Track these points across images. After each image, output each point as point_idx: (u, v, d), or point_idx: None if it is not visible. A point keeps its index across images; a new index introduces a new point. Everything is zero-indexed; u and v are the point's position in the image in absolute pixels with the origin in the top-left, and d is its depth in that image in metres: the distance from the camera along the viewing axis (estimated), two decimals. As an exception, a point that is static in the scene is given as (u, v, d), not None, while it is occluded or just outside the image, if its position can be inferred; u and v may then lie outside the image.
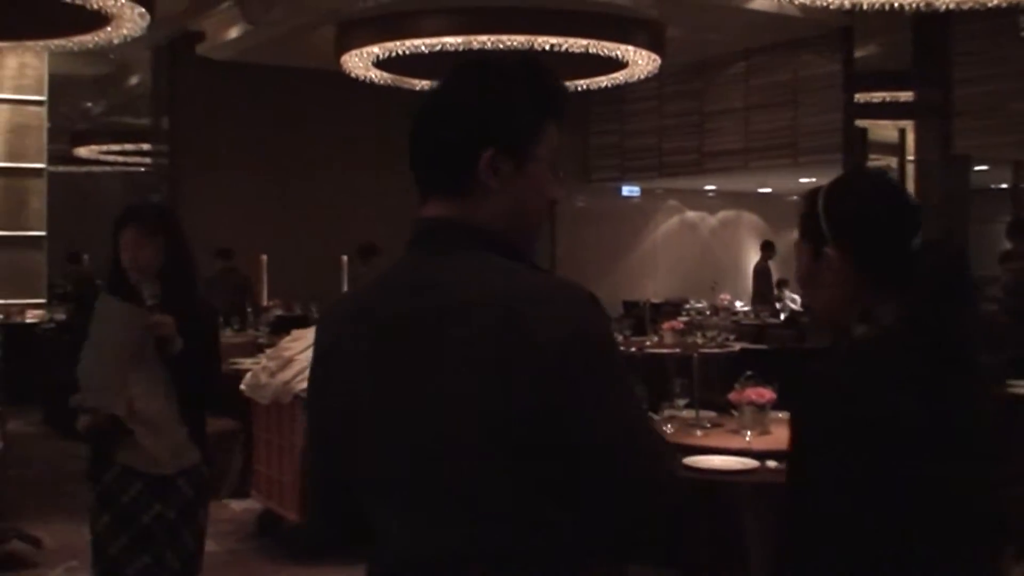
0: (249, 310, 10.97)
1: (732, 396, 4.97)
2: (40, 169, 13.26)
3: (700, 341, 9.14)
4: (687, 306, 12.56)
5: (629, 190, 16.92)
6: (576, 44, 11.03)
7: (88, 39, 10.72)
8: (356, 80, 12.44)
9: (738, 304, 13.29)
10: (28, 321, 12.16)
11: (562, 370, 1.63)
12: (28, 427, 10.18)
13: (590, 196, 16.66)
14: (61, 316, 12.96)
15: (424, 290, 1.73)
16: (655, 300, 13.81)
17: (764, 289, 14.62)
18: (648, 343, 9.19)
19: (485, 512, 1.68)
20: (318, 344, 1.90)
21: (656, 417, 4.96)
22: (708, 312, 12.42)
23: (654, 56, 11.51)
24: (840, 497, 1.92)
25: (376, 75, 12.31)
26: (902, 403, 1.94)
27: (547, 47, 10.98)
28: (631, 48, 11.26)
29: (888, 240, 2.06)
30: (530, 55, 1.98)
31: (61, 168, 19.92)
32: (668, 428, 4.83)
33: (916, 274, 2.03)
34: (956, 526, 1.98)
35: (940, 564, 1.96)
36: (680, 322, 9.64)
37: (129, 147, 19.00)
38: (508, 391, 1.62)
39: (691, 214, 17.90)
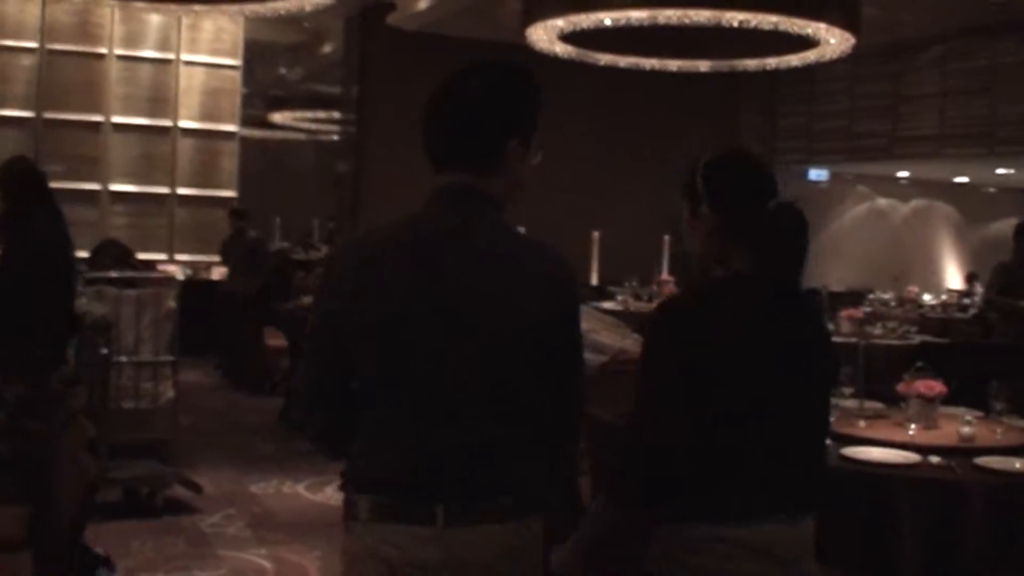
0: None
1: (900, 387, 4.76)
2: (232, 132, 13.69)
3: (878, 332, 8.84)
4: (871, 296, 12.17)
5: (816, 174, 16.45)
6: (765, 20, 10.70)
7: (280, 6, 10.92)
8: (540, 54, 12.41)
9: (926, 297, 12.78)
10: (212, 279, 12.60)
11: (564, 295, 2.35)
12: (205, 378, 10.55)
13: (776, 178, 16.31)
14: (247, 275, 13.44)
15: (462, 233, 2.28)
16: (838, 288, 13.45)
17: None
18: (823, 331, 8.90)
19: (507, 411, 2.25)
20: (346, 264, 2.33)
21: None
22: (892, 303, 12.03)
23: (847, 35, 11.08)
24: (688, 400, 2.44)
25: (560, 49, 12.24)
26: (745, 327, 2.52)
27: (735, 23, 10.71)
28: (823, 26, 10.87)
29: (746, 205, 2.61)
30: (523, 64, 2.53)
31: (256, 132, 20.60)
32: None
33: (767, 230, 2.57)
34: (783, 422, 2.52)
35: (770, 452, 2.49)
36: (860, 311, 9.32)
37: (321, 115, 19.47)
38: (535, 305, 2.26)
39: (881, 201, 17.31)
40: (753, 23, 10.73)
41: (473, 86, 2.39)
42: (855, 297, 12.05)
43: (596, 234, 13.76)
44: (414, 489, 2.20)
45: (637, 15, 10.81)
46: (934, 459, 4.10)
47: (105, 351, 6.18)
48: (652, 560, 2.53)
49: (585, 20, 11.06)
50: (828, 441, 3.17)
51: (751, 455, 2.48)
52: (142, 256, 10.34)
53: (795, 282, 2.64)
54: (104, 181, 13.10)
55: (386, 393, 2.24)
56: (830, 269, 15.74)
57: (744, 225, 2.58)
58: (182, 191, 13.38)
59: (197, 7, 11.74)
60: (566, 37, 11.74)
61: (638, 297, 11.42)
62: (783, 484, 2.52)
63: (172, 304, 7.10)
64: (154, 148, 13.37)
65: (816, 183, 16.62)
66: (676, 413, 2.45)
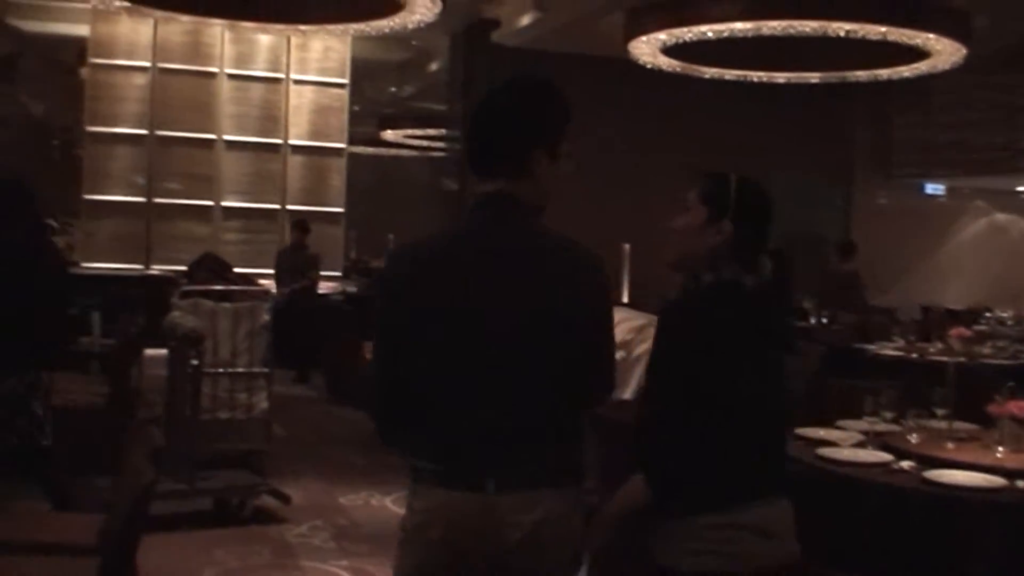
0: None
1: (991, 408, 4.60)
2: (340, 149, 13.86)
3: (988, 351, 8.57)
4: (988, 315, 11.79)
5: (933, 188, 16.03)
6: (873, 31, 10.47)
7: (384, 24, 11.07)
8: (644, 67, 12.34)
9: (1043, 314, 12.34)
10: (320, 292, 12.77)
11: (590, 287, 2.64)
12: (309, 391, 10.67)
13: (891, 193, 15.96)
14: (353, 289, 13.60)
15: (518, 238, 2.61)
16: (955, 307, 13.08)
17: None
18: (932, 350, 8.67)
19: (545, 393, 2.56)
20: (410, 269, 2.65)
21: (904, 423, 4.66)
22: (1010, 322, 11.65)
23: (958, 45, 10.79)
24: (690, 386, 2.73)
25: (664, 62, 12.16)
26: (735, 325, 2.81)
27: (841, 33, 10.50)
28: (932, 36, 10.60)
29: (765, 224, 2.94)
30: (550, 80, 2.76)
31: (369, 150, 20.90)
32: (914, 438, 4.53)
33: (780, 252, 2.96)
34: (768, 416, 2.87)
35: (758, 444, 2.82)
36: (970, 330, 9.04)
37: (431, 132, 19.66)
38: (561, 295, 2.57)
39: (1001, 216, 16.76)
40: (860, 33, 10.53)
41: (499, 101, 2.70)
42: (972, 316, 11.71)
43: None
44: (467, 461, 2.54)
45: (741, 27, 10.68)
46: (1022, 483, 3.95)
47: (195, 362, 6.28)
48: (664, 554, 2.82)
49: (687, 33, 10.96)
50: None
51: (744, 447, 2.80)
52: (252, 271, 10.54)
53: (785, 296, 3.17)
54: (216, 198, 13.38)
55: (439, 381, 2.57)
56: (948, 286, 15.32)
57: (756, 246, 2.93)
58: (292, 207, 13.58)
59: (304, 27, 11.97)
60: (669, 50, 11.65)
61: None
62: (766, 471, 2.86)
63: (266, 317, 7.20)
64: (264, 165, 13.60)
65: (932, 197, 16.20)
66: (686, 412, 2.74)
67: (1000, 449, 4.33)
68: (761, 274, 2.91)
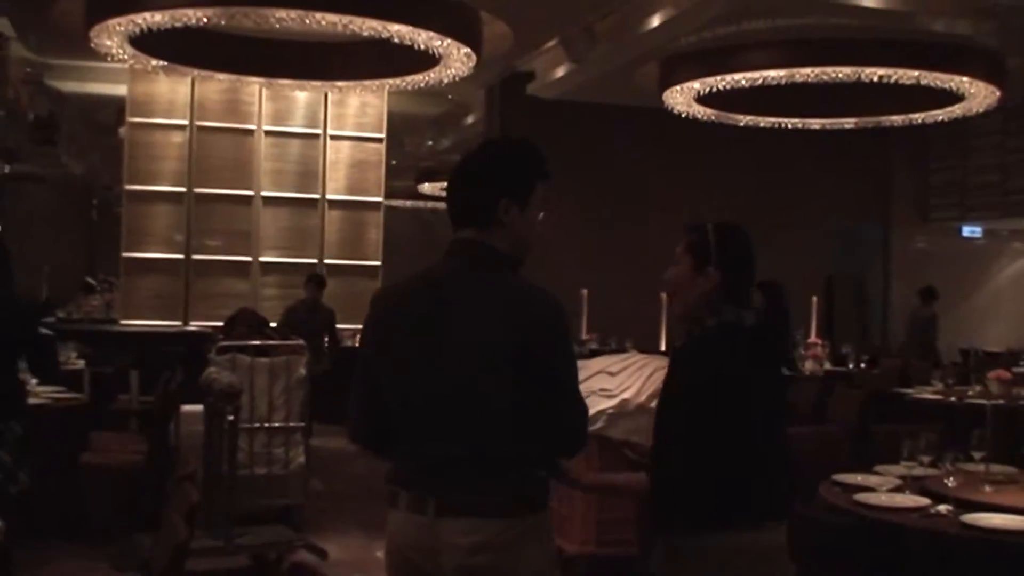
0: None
1: (1030, 450, 4.55)
2: (378, 203, 13.96)
3: (1025, 393, 8.48)
4: (1027, 356, 11.71)
5: (970, 231, 15.94)
6: (906, 75, 10.49)
7: (420, 78, 11.20)
8: (680, 116, 12.39)
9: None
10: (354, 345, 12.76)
11: (544, 329, 2.75)
12: (347, 446, 10.66)
13: (929, 236, 15.89)
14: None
15: (469, 283, 2.79)
16: (995, 349, 12.98)
17: None
18: (970, 393, 8.59)
19: (492, 425, 2.72)
20: (382, 308, 2.91)
21: (942, 467, 4.61)
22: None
23: (992, 88, 10.78)
24: (703, 424, 2.91)
25: (699, 111, 12.22)
26: (741, 362, 3.00)
27: (875, 78, 10.52)
28: (966, 79, 10.59)
29: (748, 267, 3.14)
30: (521, 139, 2.98)
31: (407, 203, 21.04)
32: (951, 481, 4.48)
33: (774, 292, 3.14)
34: (768, 449, 3.01)
35: (757, 471, 2.97)
36: (1009, 372, 8.95)
37: (469, 184, 19.74)
38: (523, 343, 2.69)
39: (1038, 257, 16.65)
40: (894, 78, 10.55)
41: (471, 158, 2.94)
42: (1011, 358, 11.61)
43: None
44: (417, 485, 2.76)
45: (774, 74, 10.74)
46: (1061, 526, 3.90)
47: (231, 418, 6.32)
48: (662, 571, 3.04)
49: (721, 81, 11.02)
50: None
51: (749, 475, 2.97)
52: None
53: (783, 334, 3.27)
54: (255, 254, 13.49)
55: (400, 412, 2.81)
56: (987, 328, 15.21)
57: (745, 284, 3.13)
58: (330, 261, 13.66)
59: (341, 83, 12.12)
60: (703, 99, 11.71)
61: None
62: (765, 497, 3.02)
63: (303, 371, 7.24)
64: (303, 220, 13.71)
65: (970, 240, 16.10)
66: (699, 443, 2.95)
67: (1040, 492, 4.28)
68: (755, 307, 3.12)
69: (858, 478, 4.70)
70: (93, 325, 12.70)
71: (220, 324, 11.98)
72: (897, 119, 12.42)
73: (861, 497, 4.35)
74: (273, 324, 9.36)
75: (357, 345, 3.11)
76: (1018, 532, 3.86)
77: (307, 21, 9.33)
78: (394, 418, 2.82)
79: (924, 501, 4.28)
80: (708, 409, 2.92)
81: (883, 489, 4.50)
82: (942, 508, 4.19)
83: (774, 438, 3.06)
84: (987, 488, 4.43)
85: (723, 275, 3.09)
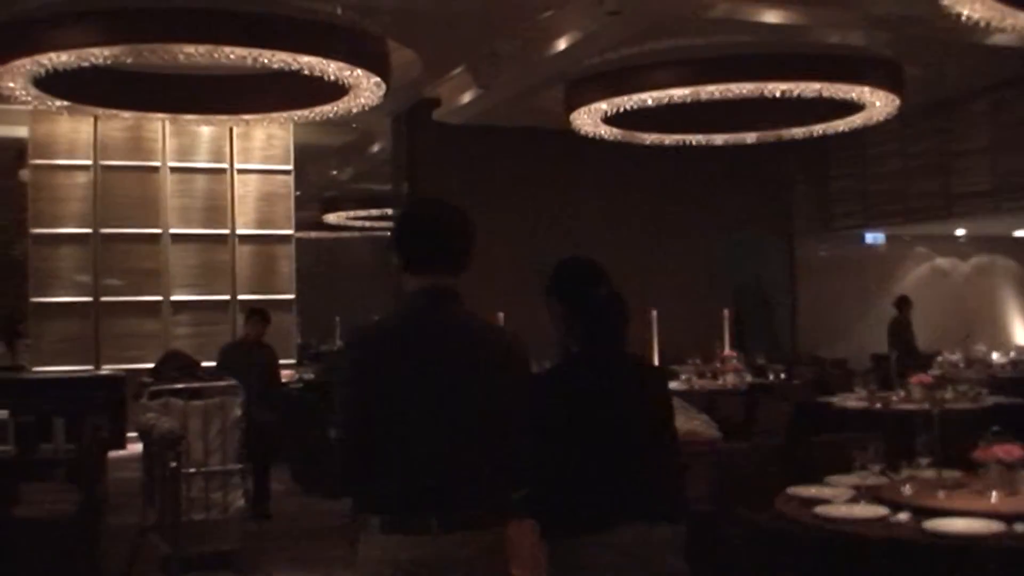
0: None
1: (977, 454, 4.65)
2: (288, 235, 13.85)
3: (950, 396, 8.67)
4: (939, 359, 11.97)
5: (873, 237, 16.33)
6: (808, 88, 10.71)
7: (329, 109, 11.13)
8: (586, 137, 12.50)
9: (995, 356, 12.55)
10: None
11: (520, 366, 3.22)
12: (276, 485, 10.51)
13: (831, 245, 16.23)
14: (310, 376, 13.45)
15: (455, 325, 3.15)
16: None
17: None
18: (895, 398, 8.76)
19: (489, 453, 3.07)
20: (370, 350, 3.11)
21: (894, 477, 4.71)
22: (962, 365, 11.81)
23: (892, 96, 11.06)
24: (554, 433, 3.43)
25: (606, 131, 12.33)
26: (585, 386, 3.59)
27: (777, 93, 10.72)
28: (867, 89, 10.85)
29: (578, 296, 3.67)
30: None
31: (312, 234, 20.89)
32: (906, 490, 4.57)
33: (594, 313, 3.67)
34: (611, 449, 3.52)
35: (623, 475, 3.50)
36: (929, 376, 9.15)
37: (375, 212, 19.70)
38: (498, 373, 3.13)
39: (941, 261, 17.08)
40: (796, 92, 10.74)
41: (460, 215, 3.26)
42: (923, 360, 11.86)
43: (654, 313, 13.70)
44: (415, 507, 3.00)
45: (679, 92, 10.86)
46: (1020, 527, 4.00)
47: (174, 464, 6.20)
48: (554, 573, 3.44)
49: (627, 101, 11.13)
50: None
51: (611, 479, 3.47)
52: (206, 363, 10.42)
53: (617, 350, 3.72)
54: (165, 292, 13.29)
55: (396, 441, 3.02)
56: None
57: (576, 312, 3.65)
58: (243, 297, 13.51)
59: (248, 116, 11.99)
60: (610, 119, 11.82)
61: (702, 375, 11.32)
62: (637, 498, 3.47)
63: (238, 412, 7.13)
64: (213, 256, 13.56)
65: (874, 247, 16.47)
66: (556, 456, 3.43)
67: (993, 494, 4.39)
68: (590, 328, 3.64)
69: (812, 490, 4.77)
70: (3, 374, 12.35)
71: (132, 367, 11.84)
72: (798, 132, 12.67)
73: (821, 510, 4.41)
74: (206, 364, 9.13)
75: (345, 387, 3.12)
76: (981, 536, 3.94)
77: (216, 55, 9.22)
78: (386, 450, 3.03)
79: (883, 510, 4.35)
80: (543, 431, 3.38)
81: (840, 500, 4.57)
82: (902, 516, 4.28)
83: (627, 443, 3.55)
84: (941, 494, 4.52)
85: (564, 305, 3.66)
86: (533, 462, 3.29)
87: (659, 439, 3.69)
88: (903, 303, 14.32)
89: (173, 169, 13.32)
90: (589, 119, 11.88)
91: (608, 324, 3.70)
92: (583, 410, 3.55)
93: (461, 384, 3.09)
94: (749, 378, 11.24)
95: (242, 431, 7.03)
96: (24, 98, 10.27)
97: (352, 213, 20.32)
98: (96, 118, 12.50)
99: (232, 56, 9.23)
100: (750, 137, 13.14)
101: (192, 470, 6.85)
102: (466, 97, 12.37)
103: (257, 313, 9.78)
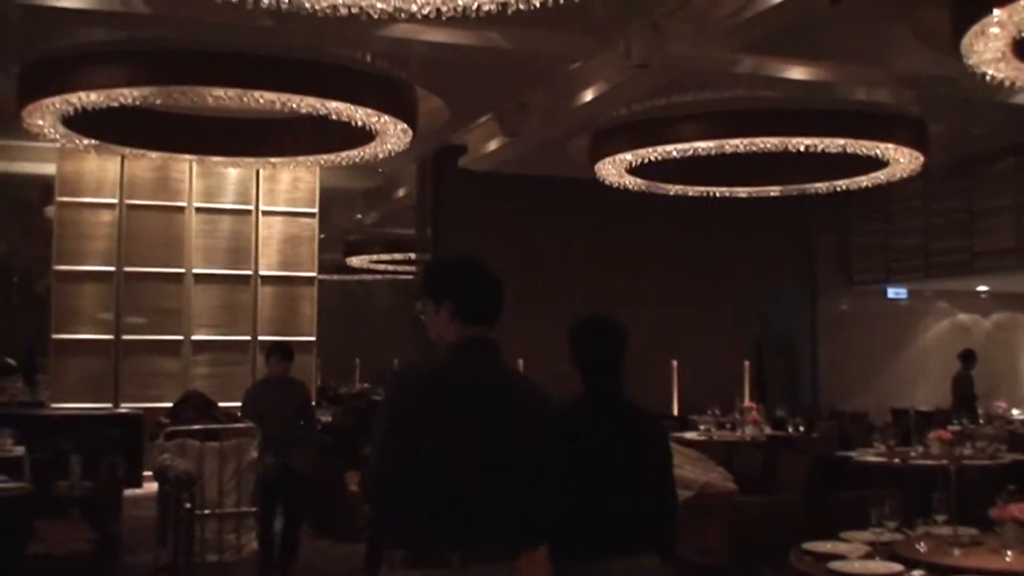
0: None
1: (994, 512, 4.63)
2: (311, 277, 13.91)
3: (968, 452, 8.64)
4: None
5: (895, 292, 16.31)
6: (833, 144, 10.74)
7: (355, 154, 11.23)
8: (610, 187, 12.55)
9: (1015, 412, 12.49)
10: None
11: (553, 424, 3.41)
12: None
13: (853, 299, 16.21)
14: (327, 418, 13.47)
15: (499, 375, 3.39)
16: (925, 408, 13.21)
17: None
18: (913, 454, 8.73)
19: (513, 492, 3.25)
20: (418, 388, 3.27)
21: (910, 533, 4.69)
22: (981, 421, 11.75)
23: (916, 153, 11.08)
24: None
25: (630, 181, 12.39)
26: (586, 427, 3.85)
27: (802, 148, 10.76)
28: (891, 146, 10.88)
29: (581, 353, 4.02)
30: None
31: (335, 276, 20.99)
32: (921, 547, 4.54)
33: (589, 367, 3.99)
34: (608, 490, 3.79)
35: (610, 509, 3.78)
36: (948, 431, 9.13)
37: (398, 256, 19.78)
38: (535, 425, 3.34)
39: (963, 316, 17.04)
40: (820, 147, 10.78)
41: (489, 272, 3.47)
42: (943, 416, 11.82)
43: (675, 363, 13.71)
44: (440, 542, 3.16)
45: (704, 145, 10.91)
46: (1035, 587, 3.97)
47: (188, 505, 6.21)
48: None
49: (652, 153, 11.19)
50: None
51: (605, 516, 3.76)
52: (225, 404, 10.45)
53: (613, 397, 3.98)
54: (186, 332, 13.34)
55: (431, 478, 3.16)
56: (916, 388, 15.48)
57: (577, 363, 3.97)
58: (264, 338, 13.55)
59: (275, 159, 12.09)
60: (634, 170, 11.88)
61: (721, 426, 11.29)
62: (622, 531, 3.76)
63: (254, 454, 7.15)
64: (235, 297, 13.61)
65: (895, 301, 16.44)
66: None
67: (1008, 553, 4.36)
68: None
69: (827, 546, 4.75)
70: (22, 409, 12.39)
71: (151, 405, 11.87)
72: (821, 186, 12.70)
73: (835, 565, 4.39)
74: (224, 404, 9.01)
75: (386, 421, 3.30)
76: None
77: (244, 99, 9.33)
78: (423, 486, 3.17)
79: (897, 567, 4.33)
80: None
81: (854, 556, 4.55)
82: (916, 573, 4.25)
83: (611, 487, 3.80)
84: (956, 552, 4.50)
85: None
86: (557, 505, 3.42)
87: (653, 481, 3.90)
88: (968, 357, 13.95)
89: (199, 209, 13.40)
90: (614, 169, 11.94)
91: (602, 380, 3.96)
92: (582, 448, 3.76)
93: (500, 430, 3.27)
94: (768, 430, 11.21)
95: (257, 473, 7.02)
96: (52, 136, 10.40)
97: (375, 257, 20.40)
98: (123, 157, 12.61)
99: (261, 100, 9.34)
100: (774, 190, 13.17)
101: (207, 511, 6.87)
102: (492, 145, 12.45)
103: (278, 349, 8.48)
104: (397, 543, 3.22)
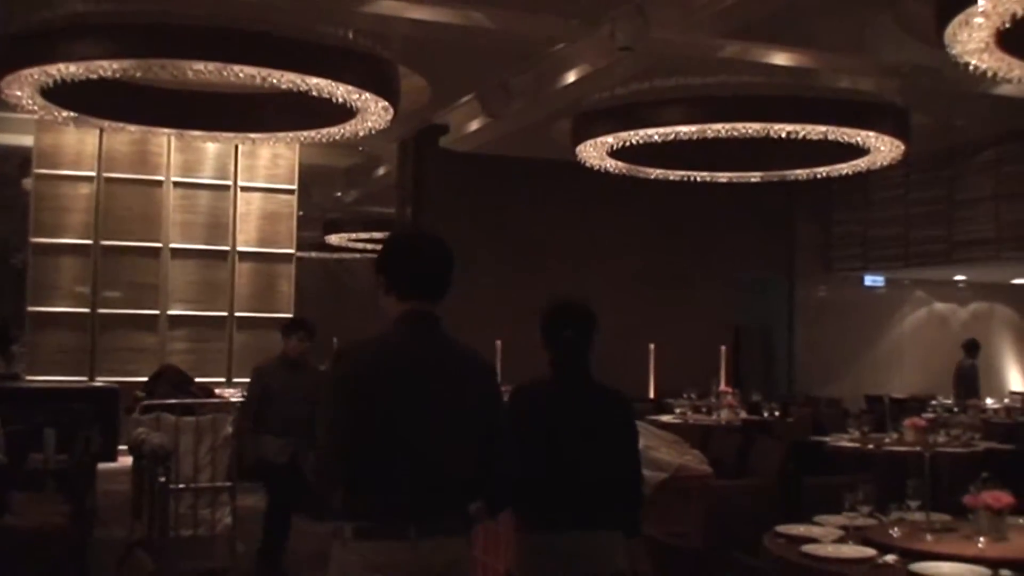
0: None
1: (967, 499, 4.64)
2: (289, 255, 13.87)
3: (942, 439, 8.67)
4: (933, 403, 11.96)
5: (873, 280, 16.36)
6: (814, 131, 10.75)
7: (336, 131, 11.16)
8: (591, 170, 12.54)
9: (989, 401, 12.56)
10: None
11: (494, 384, 3.50)
12: (258, 503, 10.49)
13: (831, 286, 16.25)
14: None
15: (440, 347, 3.37)
16: (900, 396, 13.27)
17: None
18: (887, 440, 8.76)
19: (457, 459, 3.28)
20: (359, 366, 3.24)
21: (883, 519, 4.70)
22: (955, 409, 11.81)
23: (897, 143, 11.10)
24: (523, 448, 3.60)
25: (611, 164, 12.37)
26: (550, 404, 3.92)
27: (784, 134, 10.77)
28: (872, 134, 10.89)
29: (551, 337, 4.01)
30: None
31: (314, 254, 20.90)
32: (895, 532, 4.56)
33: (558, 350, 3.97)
34: (571, 467, 3.82)
35: (574, 480, 3.81)
36: (923, 419, 9.15)
37: (377, 235, 19.70)
38: (480, 398, 3.39)
39: (940, 306, 17.12)
40: (802, 133, 10.78)
41: (435, 245, 3.44)
42: (917, 404, 11.86)
43: (652, 346, 13.73)
44: (395, 515, 3.16)
45: (686, 130, 10.90)
46: (1005, 573, 3.99)
47: (163, 479, 6.19)
48: (511, 563, 3.83)
49: (634, 136, 11.17)
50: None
51: (561, 488, 3.79)
52: (201, 380, 10.40)
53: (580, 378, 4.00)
54: (163, 306, 13.29)
55: (380, 453, 3.16)
56: (891, 376, 15.55)
57: (548, 346, 3.99)
58: (240, 314, 13.52)
59: (255, 135, 12.02)
60: (616, 153, 11.86)
61: (697, 409, 11.31)
62: (583, 506, 3.78)
63: (229, 429, 7.12)
64: (212, 273, 13.57)
65: (873, 289, 16.50)
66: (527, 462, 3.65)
67: (981, 540, 4.38)
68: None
69: (800, 529, 4.76)
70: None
71: (127, 380, 11.81)
72: (802, 173, 12.71)
73: (808, 548, 4.40)
74: (200, 380, 8.91)
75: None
76: (966, 581, 3.94)
77: (225, 73, 9.26)
78: (372, 461, 3.17)
79: (870, 552, 4.35)
80: (517, 437, 3.73)
81: (827, 540, 4.56)
82: (888, 558, 4.27)
83: (571, 462, 3.84)
84: (929, 537, 4.52)
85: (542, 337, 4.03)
86: (509, 467, 3.48)
87: (618, 460, 3.95)
88: (972, 347, 14.03)
89: (176, 184, 13.35)
90: (595, 152, 11.92)
91: (568, 361, 3.96)
92: (548, 428, 3.84)
93: (446, 400, 3.29)
94: (744, 415, 11.23)
95: (233, 449, 6.99)
96: (30, 107, 10.31)
97: (354, 235, 20.33)
98: (102, 130, 12.53)
99: (241, 74, 9.26)
100: (755, 176, 13.18)
101: (181, 486, 6.85)
102: (473, 125, 12.42)
103: (301, 327, 7.48)
104: (350, 517, 3.20)
